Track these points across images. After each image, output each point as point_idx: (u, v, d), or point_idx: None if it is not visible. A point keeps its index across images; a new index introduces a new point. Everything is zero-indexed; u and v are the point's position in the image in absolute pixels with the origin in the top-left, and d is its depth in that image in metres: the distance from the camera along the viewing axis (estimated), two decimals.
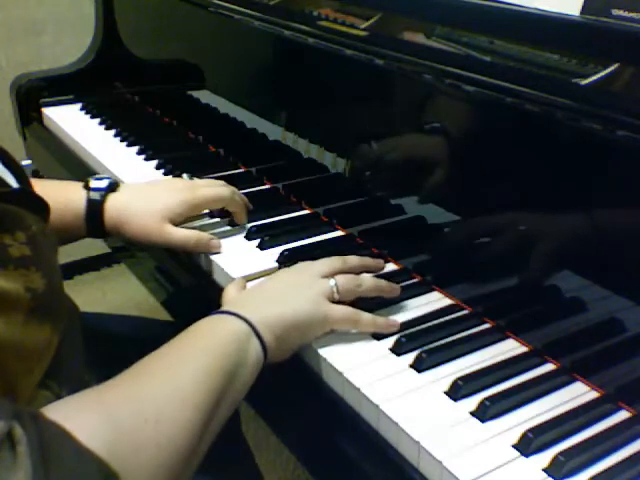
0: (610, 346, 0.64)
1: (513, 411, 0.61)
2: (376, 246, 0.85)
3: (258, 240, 0.86)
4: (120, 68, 1.42)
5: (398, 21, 0.83)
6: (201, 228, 0.87)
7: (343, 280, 0.70)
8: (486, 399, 0.60)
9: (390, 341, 0.69)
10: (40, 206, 0.58)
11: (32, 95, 1.37)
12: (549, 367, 0.67)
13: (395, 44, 0.80)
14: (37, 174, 1.38)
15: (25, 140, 1.40)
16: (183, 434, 0.53)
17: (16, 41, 1.84)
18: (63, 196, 0.82)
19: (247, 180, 1.03)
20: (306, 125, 0.98)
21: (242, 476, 0.86)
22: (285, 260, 0.82)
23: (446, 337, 0.69)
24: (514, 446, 0.57)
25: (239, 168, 1.10)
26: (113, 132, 1.24)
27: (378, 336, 0.70)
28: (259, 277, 0.79)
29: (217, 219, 0.91)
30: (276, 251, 0.84)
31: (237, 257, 0.83)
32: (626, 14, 0.62)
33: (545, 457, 0.56)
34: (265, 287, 0.71)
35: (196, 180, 0.92)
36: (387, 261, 0.82)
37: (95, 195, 0.82)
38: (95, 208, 0.82)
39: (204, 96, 1.21)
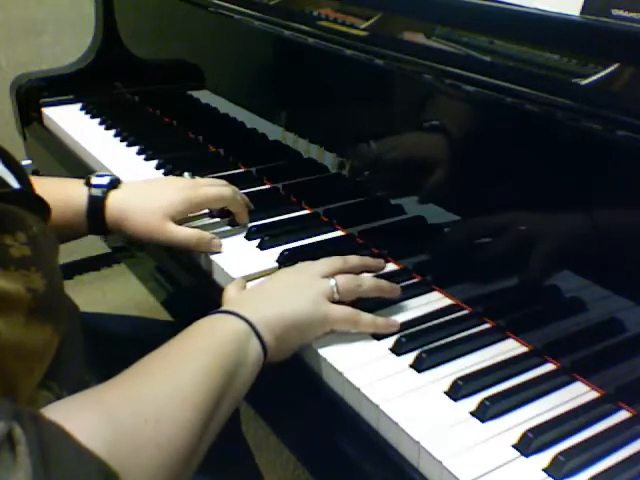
0: (610, 346, 0.64)
1: (513, 411, 0.61)
2: (376, 246, 0.85)
3: (258, 240, 0.86)
4: (120, 68, 1.42)
5: (398, 21, 0.83)
6: (201, 228, 0.87)
7: (343, 280, 0.70)
8: (486, 399, 0.60)
9: (390, 341, 0.69)
10: (40, 206, 0.58)
11: (32, 95, 1.37)
12: (549, 367, 0.67)
13: (395, 44, 0.80)
14: (37, 174, 1.38)
15: (25, 140, 1.40)
16: (183, 434, 0.53)
17: (16, 41, 1.84)
18: (64, 193, 0.82)
19: (247, 180, 1.03)
20: (306, 125, 0.98)
21: (242, 476, 0.86)
22: (285, 260, 0.82)
23: (446, 337, 0.69)
24: (514, 446, 0.57)
25: (239, 168, 1.10)
26: (113, 132, 1.24)
27: (378, 336, 0.70)
28: (259, 277, 0.79)
29: (217, 219, 0.91)
30: (276, 251, 0.84)
31: (237, 257, 0.83)
32: (626, 14, 0.62)
33: (545, 457, 0.56)
34: (265, 287, 0.71)
35: (197, 179, 0.92)
36: (387, 261, 0.82)
37: (97, 192, 0.82)
38: (96, 205, 0.82)
39: (204, 96, 1.21)
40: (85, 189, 0.83)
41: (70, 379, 0.59)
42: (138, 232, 0.82)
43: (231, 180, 0.92)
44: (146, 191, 0.85)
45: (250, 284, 0.76)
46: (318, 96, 0.95)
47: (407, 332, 0.70)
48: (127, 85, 1.45)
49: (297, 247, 0.85)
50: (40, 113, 1.37)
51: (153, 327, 1.00)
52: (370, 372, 0.64)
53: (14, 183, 0.57)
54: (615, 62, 0.60)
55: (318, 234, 0.89)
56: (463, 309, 0.75)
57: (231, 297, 0.71)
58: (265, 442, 1.40)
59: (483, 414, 0.59)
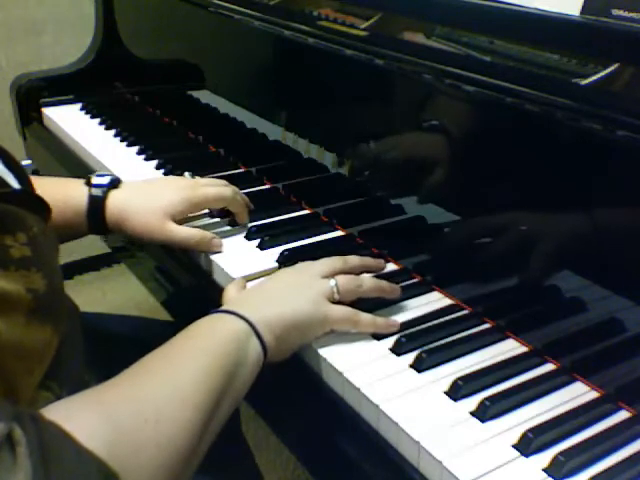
0: (610, 346, 0.64)
1: (513, 411, 0.61)
2: (376, 246, 0.85)
3: (258, 240, 0.86)
4: (120, 68, 1.42)
5: (398, 21, 0.83)
6: (201, 228, 0.87)
7: (343, 280, 0.70)
8: (486, 399, 0.60)
9: (390, 341, 0.69)
10: (41, 206, 0.58)
11: (32, 95, 1.37)
12: (549, 367, 0.67)
13: (395, 44, 0.80)
14: (37, 174, 1.38)
15: (25, 140, 1.40)
16: (183, 434, 0.53)
17: (16, 41, 1.84)
18: (64, 193, 0.82)
19: (247, 180, 1.03)
20: (306, 125, 0.98)
21: (242, 476, 0.86)
22: (285, 260, 0.82)
23: (446, 337, 0.69)
24: (514, 446, 0.57)
25: (239, 168, 1.10)
26: (113, 132, 1.24)
27: (378, 336, 0.70)
28: (259, 277, 0.79)
29: (217, 219, 0.91)
30: (276, 251, 0.84)
31: (237, 257, 0.83)
32: (626, 14, 0.62)
33: (545, 457, 0.56)
34: (265, 287, 0.71)
35: (198, 179, 0.92)
36: (387, 261, 0.82)
37: (97, 191, 0.82)
38: (97, 204, 0.82)
39: (204, 96, 1.21)
40: (85, 189, 0.83)
41: (70, 379, 0.59)
42: (138, 232, 0.82)
43: (231, 180, 0.92)
44: (146, 191, 0.85)
45: (250, 284, 0.76)
46: (318, 96, 0.95)
47: (407, 332, 0.70)
48: (127, 85, 1.45)
49: (297, 247, 0.85)
50: (40, 113, 1.36)
51: (153, 327, 1.00)
52: (370, 372, 0.64)
53: (14, 183, 0.57)
54: (615, 62, 0.60)
55: (318, 234, 0.89)
56: (463, 309, 0.75)
57: (231, 297, 0.71)
58: (265, 442, 1.40)
59: (483, 414, 0.59)
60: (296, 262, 0.76)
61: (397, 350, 0.68)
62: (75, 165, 1.19)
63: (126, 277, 1.82)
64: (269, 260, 0.83)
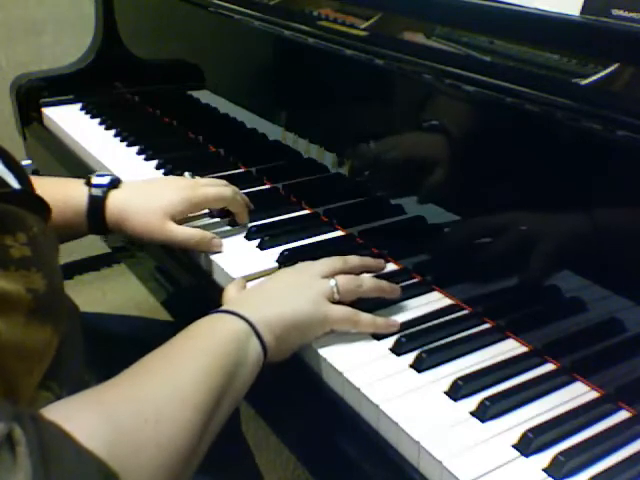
0: (610, 346, 0.64)
1: (513, 411, 0.61)
2: (376, 246, 0.85)
3: (258, 240, 0.86)
4: (120, 68, 1.42)
5: (398, 21, 0.83)
6: (201, 228, 0.87)
7: (343, 280, 0.70)
8: (486, 399, 0.60)
9: (390, 341, 0.69)
10: (41, 206, 0.58)
11: (32, 95, 1.37)
12: (549, 367, 0.67)
13: (395, 44, 0.80)
14: (37, 174, 1.38)
15: (25, 140, 1.40)
16: (183, 434, 0.53)
17: (16, 41, 1.84)
18: (64, 193, 0.82)
19: (247, 180, 1.03)
20: (306, 125, 0.98)
21: (242, 476, 0.86)
22: (285, 260, 0.82)
23: (446, 337, 0.69)
24: (514, 446, 0.57)
25: (239, 168, 1.10)
26: (113, 132, 1.24)
27: (378, 336, 0.70)
28: (259, 277, 0.79)
29: (217, 219, 0.91)
30: (276, 251, 0.84)
31: (237, 257, 0.83)
32: (626, 14, 0.62)
33: (545, 457, 0.56)
34: (265, 287, 0.71)
35: (198, 178, 0.92)
36: (387, 261, 0.82)
37: (97, 191, 0.82)
38: (97, 204, 0.82)
39: (204, 96, 1.21)
40: (85, 189, 0.83)
41: (70, 379, 0.59)
42: (138, 232, 0.82)
43: (231, 180, 0.92)
44: (146, 191, 0.85)
45: (250, 284, 0.76)
46: (318, 96, 0.95)
47: (407, 332, 0.70)
48: (127, 85, 1.45)
49: (297, 247, 0.85)
50: (40, 113, 1.36)
51: (153, 327, 1.00)
52: (370, 372, 0.64)
53: (14, 183, 0.57)
54: (615, 62, 0.60)
55: (318, 234, 0.89)
56: (463, 309, 0.75)
57: (231, 297, 0.71)
58: (265, 442, 1.40)
59: (483, 414, 0.59)
60: (296, 262, 0.76)
61: (397, 350, 0.68)
62: (75, 165, 1.19)
63: (126, 277, 1.82)
64: (269, 260, 0.83)
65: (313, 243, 0.87)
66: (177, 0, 1.19)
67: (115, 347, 0.86)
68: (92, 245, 1.71)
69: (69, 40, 1.84)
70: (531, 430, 0.57)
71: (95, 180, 0.83)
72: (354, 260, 0.75)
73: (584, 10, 0.65)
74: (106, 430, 0.48)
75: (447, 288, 0.77)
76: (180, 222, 0.84)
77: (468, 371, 0.65)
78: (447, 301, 0.76)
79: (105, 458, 0.45)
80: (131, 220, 0.82)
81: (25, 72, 1.41)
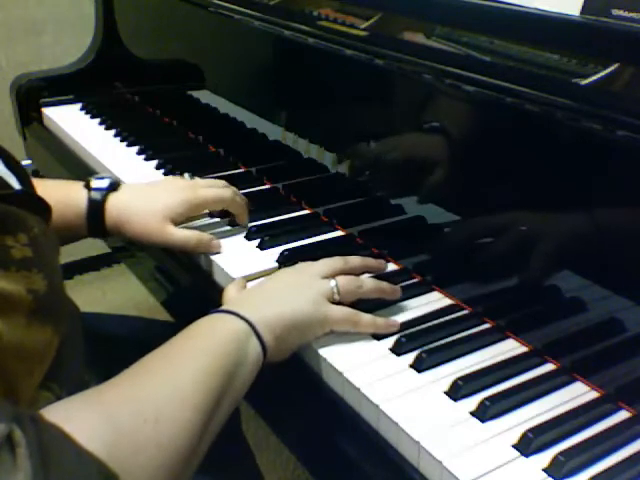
0: (610, 346, 0.64)
1: (513, 411, 0.61)
2: (376, 246, 0.85)
3: (258, 240, 0.86)
4: (120, 68, 1.42)
5: (398, 21, 0.83)
6: (201, 228, 0.87)
7: (344, 281, 0.70)
8: (486, 399, 0.60)
9: (390, 341, 0.69)
10: (42, 207, 0.58)
11: (32, 95, 1.37)
12: (549, 367, 0.67)
13: (395, 44, 0.80)
14: (37, 174, 1.38)
15: (25, 140, 1.40)
16: (183, 434, 0.53)
17: (16, 41, 1.84)
18: (64, 196, 0.82)
19: (247, 180, 1.03)
20: (306, 125, 0.98)
21: (242, 476, 0.86)
22: (285, 260, 0.82)
23: (446, 337, 0.69)
24: (514, 446, 0.57)
25: (239, 168, 1.10)
26: (113, 132, 1.24)
27: (378, 336, 0.70)
28: (259, 277, 0.79)
29: (217, 219, 0.91)
30: (276, 251, 0.84)
31: (237, 257, 0.83)
32: (626, 14, 0.62)
33: (545, 457, 0.56)
34: (265, 287, 0.71)
35: (197, 180, 0.92)
36: (387, 261, 0.82)
37: (96, 195, 0.82)
38: (96, 208, 0.82)
39: (204, 96, 1.21)
40: (85, 192, 0.83)
41: (70, 380, 0.59)
42: (137, 234, 0.82)
43: (231, 180, 0.92)
44: (146, 194, 0.85)
45: (250, 284, 0.76)
46: (318, 96, 0.95)
47: (407, 332, 0.70)
48: (127, 85, 1.45)
49: (297, 247, 0.85)
50: (40, 113, 1.37)
51: (153, 328, 1.00)
52: (370, 372, 0.64)
53: (15, 184, 0.57)
54: (615, 62, 0.60)
55: (318, 234, 0.89)
56: (463, 309, 0.75)
57: (231, 297, 0.71)
58: (265, 442, 1.40)
59: (483, 414, 0.59)
60: (296, 262, 0.76)
61: (397, 350, 0.68)
62: (75, 165, 1.19)
63: (126, 277, 1.82)
64: (269, 260, 0.83)
65: (313, 243, 0.87)
66: (177, 0, 1.19)
67: (115, 348, 0.86)
68: (92, 245, 1.70)
69: (69, 40, 1.84)
70: (531, 430, 0.57)
71: (94, 183, 0.83)
72: (355, 260, 0.75)
73: (584, 10, 0.65)
74: (106, 431, 0.48)
75: (447, 288, 0.77)
76: (180, 222, 0.84)
77: (468, 371, 0.65)
78: (447, 301, 0.76)
79: (105, 459, 0.45)
80: (130, 223, 0.82)
81: (25, 72, 1.41)
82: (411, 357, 0.67)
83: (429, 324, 0.72)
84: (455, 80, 0.72)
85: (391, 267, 0.82)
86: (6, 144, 0.60)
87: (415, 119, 0.81)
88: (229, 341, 0.61)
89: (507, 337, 0.70)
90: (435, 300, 0.76)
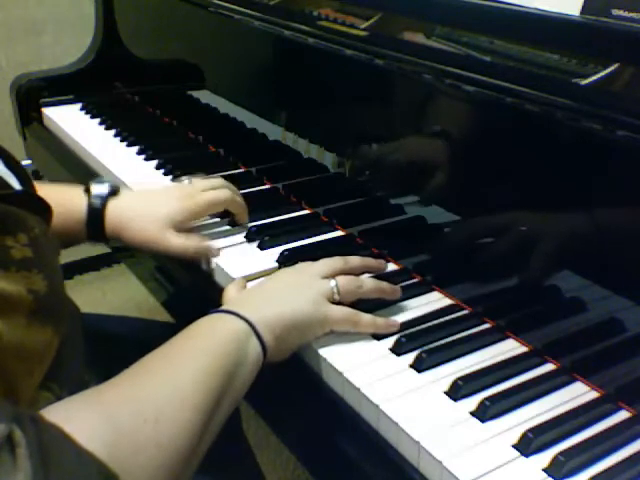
0: (610, 346, 0.64)
1: (513, 411, 0.61)
2: (376, 246, 0.85)
3: (258, 240, 0.86)
4: (120, 68, 1.42)
5: (398, 21, 0.83)
6: (201, 228, 0.87)
7: (344, 281, 0.70)
8: (486, 399, 0.60)
9: (390, 341, 0.69)
10: (42, 207, 0.58)
11: (32, 95, 1.37)
12: (549, 367, 0.67)
13: (395, 44, 0.80)
14: (37, 174, 1.38)
15: (25, 140, 1.40)
16: (183, 434, 0.53)
17: (16, 41, 1.84)
18: (65, 200, 0.82)
19: (247, 180, 1.03)
20: (306, 125, 0.98)
21: (243, 476, 0.86)
22: (285, 260, 0.82)
23: (446, 337, 0.69)
24: (514, 446, 0.57)
25: (239, 168, 1.10)
26: (113, 132, 1.24)
27: (378, 336, 0.70)
28: (259, 277, 0.79)
29: (217, 219, 0.91)
30: (276, 251, 0.84)
31: (237, 257, 0.83)
32: (626, 14, 0.62)
33: (545, 457, 0.56)
34: (265, 287, 0.71)
35: (195, 182, 0.90)
36: (387, 261, 0.82)
37: (96, 201, 0.82)
38: (96, 214, 0.82)
39: (204, 96, 1.21)
40: (84, 198, 0.83)
41: (70, 380, 0.59)
42: (137, 241, 0.82)
43: (231, 180, 0.92)
44: (145, 201, 0.85)
45: (250, 284, 0.76)
46: (318, 96, 0.95)
47: (407, 332, 0.70)
48: (127, 85, 1.45)
49: (297, 247, 0.85)
50: (40, 113, 1.37)
51: (153, 328, 1.00)
52: (370, 372, 0.64)
53: (16, 184, 0.57)
54: (615, 62, 0.60)
55: (318, 234, 0.89)
56: (463, 309, 0.75)
57: (231, 297, 0.71)
58: (265, 442, 1.40)
59: (483, 414, 0.59)
60: (296, 262, 0.76)
61: (397, 350, 0.68)
62: (75, 165, 1.19)
63: (126, 277, 1.82)
64: (269, 260, 0.83)
65: (313, 243, 0.87)
66: (177, 0, 1.19)
67: (115, 348, 0.86)
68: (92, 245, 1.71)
69: (69, 40, 1.84)
70: (531, 430, 0.57)
71: (94, 189, 0.83)
72: (355, 260, 0.75)
73: (584, 10, 0.65)
74: (106, 431, 0.48)
75: (447, 288, 0.77)
76: (182, 229, 0.84)
77: (468, 371, 0.65)
78: (447, 301, 0.76)
79: (105, 459, 0.45)
80: (129, 230, 0.82)
81: (25, 72, 1.41)
82: (411, 357, 0.67)
83: (429, 324, 0.72)
84: (455, 80, 0.72)
85: (391, 267, 0.82)
86: (6, 144, 0.60)
87: (415, 119, 0.81)
88: (229, 341, 0.61)
89: (507, 337, 0.70)
90: (435, 300, 0.76)
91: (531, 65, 0.66)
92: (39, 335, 0.51)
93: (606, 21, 0.63)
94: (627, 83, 0.60)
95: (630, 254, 0.61)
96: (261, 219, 0.91)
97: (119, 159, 1.13)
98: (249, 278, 0.78)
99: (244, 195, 0.92)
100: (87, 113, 1.34)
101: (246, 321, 0.63)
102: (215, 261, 0.82)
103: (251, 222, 0.90)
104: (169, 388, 0.55)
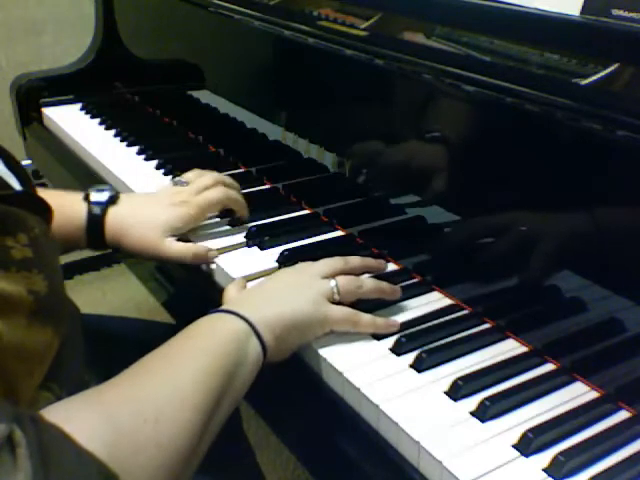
0: (610, 346, 0.64)
1: (513, 411, 0.61)
2: (376, 246, 0.85)
3: (258, 240, 0.86)
4: (120, 68, 1.42)
5: (398, 21, 0.83)
6: (201, 228, 0.87)
7: (344, 281, 0.70)
8: (486, 399, 0.60)
9: (390, 341, 0.69)
10: (42, 208, 0.58)
11: (32, 95, 1.37)
12: (549, 367, 0.67)
13: (395, 44, 0.80)
14: (37, 174, 1.38)
15: (25, 140, 1.40)
16: (183, 434, 0.53)
17: (16, 41, 1.84)
18: (64, 207, 0.81)
19: (247, 180, 1.03)
20: (306, 125, 0.98)
21: (243, 476, 0.86)
22: (285, 260, 0.82)
23: (446, 337, 0.69)
24: (514, 446, 0.57)
25: (239, 168, 1.10)
26: (113, 132, 1.24)
27: (378, 336, 0.70)
28: (259, 277, 0.79)
29: (217, 219, 0.91)
30: (276, 251, 0.84)
31: (237, 257, 0.83)
32: (626, 14, 0.62)
33: (545, 457, 0.56)
34: (265, 287, 0.71)
35: (191, 184, 0.88)
36: (387, 261, 0.82)
37: (96, 209, 0.82)
38: (96, 222, 0.82)
39: (204, 96, 1.21)
40: (84, 205, 0.83)
41: (70, 380, 0.59)
42: (137, 249, 0.82)
43: None
44: (144, 208, 0.85)
45: (250, 284, 0.76)
46: (318, 96, 0.95)
47: (407, 332, 0.70)
48: (127, 85, 1.45)
49: (297, 247, 0.85)
50: (40, 113, 1.37)
51: (153, 329, 1.00)
52: (370, 372, 0.64)
53: (16, 185, 0.57)
54: (615, 62, 0.60)
55: (318, 234, 0.89)
56: (463, 309, 0.75)
57: (231, 297, 0.71)
58: (265, 442, 1.40)
59: (483, 414, 0.59)
60: (296, 262, 0.76)
61: (397, 350, 0.68)
62: (75, 165, 1.19)
63: (126, 277, 1.82)
64: (269, 260, 0.83)
65: (313, 243, 0.87)
66: (177, 0, 1.19)
67: (115, 348, 0.86)
68: None
69: (69, 40, 1.84)
70: (531, 430, 0.57)
71: (93, 197, 0.83)
72: (355, 260, 0.75)
73: (584, 10, 0.65)
74: (106, 431, 0.48)
75: (447, 288, 0.77)
76: (182, 235, 0.84)
77: (468, 371, 0.65)
78: (447, 301, 0.76)
79: (105, 459, 0.45)
80: (129, 237, 0.82)
81: (25, 72, 1.41)
82: (411, 357, 0.67)
83: (429, 324, 0.72)
84: (455, 80, 0.72)
85: (391, 267, 0.82)
86: (6, 144, 0.60)
87: (415, 119, 0.81)
88: (229, 341, 0.61)
89: (507, 337, 0.70)
90: (435, 300, 0.76)
91: (531, 65, 0.66)
92: (39, 335, 0.51)
93: (606, 21, 0.63)
94: (627, 83, 0.60)
95: (630, 254, 0.61)
96: (261, 219, 0.91)
97: (119, 159, 1.13)
98: (249, 278, 0.78)
99: (244, 195, 0.92)
100: (87, 113, 1.34)
101: (246, 321, 0.63)
102: (215, 261, 0.82)
103: (251, 222, 0.90)
104: (169, 388, 0.55)
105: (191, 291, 0.89)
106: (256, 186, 1.03)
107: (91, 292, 2.00)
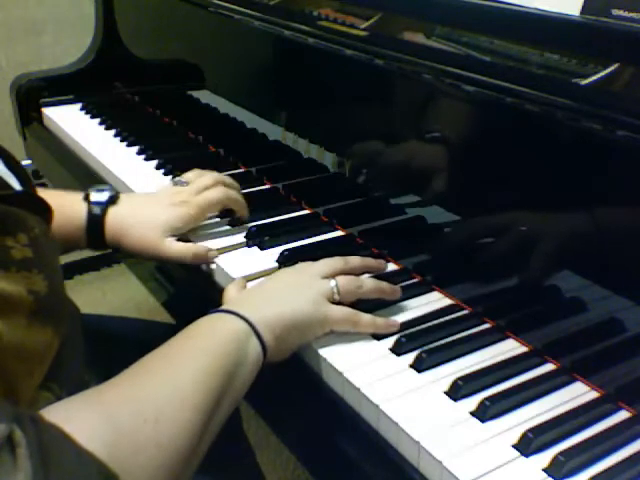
0: (610, 346, 0.64)
1: (513, 411, 0.61)
2: (376, 246, 0.85)
3: (258, 240, 0.86)
4: (120, 68, 1.42)
5: (398, 21, 0.83)
6: (201, 228, 0.87)
7: (344, 281, 0.70)
8: (486, 399, 0.60)
9: (390, 341, 0.69)
10: (42, 207, 0.58)
11: (32, 95, 1.37)
12: (549, 367, 0.67)
13: (395, 44, 0.80)
14: (37, 174, 1.38)
15: (25, 140, 1.40)
16: (183, 434, 0.53)
17: (16, 41, 1.84)
18: (64, 207, 0.82)
19: (247, 180, 1.03)
20: (306, 125, 0.98)
21: (243, 476, 0.86)
22: (285, 260, 0.82)
23: (446, 337, 0.69)
24: (514, 446, 0.57)
25: (239, 168, 1.10)
26: (113, 132, 1.24)
27: (378, 336, 0.70)
28: (259, 277, 0.79)
29: (217, 219, 0.91)
30: (276, 251, 0.84)
31: (237, 257, 0.83)
32: (626, 14, 0.62)
33: (545, 457, 0.56)
34: (265, 287, 0.71)
35: (191, 184, 0.89)
36: (387, 261, 0.82)
37: (96, 209, 0.82)
38: (96, 222, 0.82)
39: (204, 96, 1.21)
40: (84, 205, 0.83)
41: (70, 380, 0.59)
42: (137, 249, 0.82)
43: None
44: (143, 208, 0.85)
45: (250, 284, 0.76)
46: (318, 96, 0.95)
47: (407, 332, 0.70)
48: (127, 85, 1.45)
49: (297, 247, 0.85)
50: (40, 113, 1.37)
51: (153, 329, 1.00)
52: (370, 372, 0.64)
53: (16, 185, 0.57)
54: (615, 62, 0.60)
55: (318, 234, 0.89)
56: (463, 309, 0.75)
57: (231, 297, 0.71)
58: (265, 442, 1.40)
59: (483, 414, 0.59)
60: (296, 262, 0.76)
61: (397, 350, 0.68)
62: (75, 165, 1.19)
63: (126, 277, 1.82)
64: (269, 260, 0.83)
65: (313, 243, 0.87)
66: (177, 0, 1.19)
67: (115, 348, 0.86)
68: None
69: (69, 40, 1.84)
70: (531, 430, 0.57)
71: (93, 197, 0.83)
72: (355, 261, 0.75)
73: (584, 10, 0.65)
74: (106, 431, 0.48)
75: (447, 288, 0.77)
76: (182, 235, 0.84)
77: (468, 371, 0.65)
78: (447, 301, 0.76)
79: (105, 459, 0.45)
80: (130, 237, 0.82)
81: (25, 72, 1.41)
82: (411, 357, 0.67)
83: (429, 324, 0.72)
84: (455, 80, 0.72)
85: (391, 267, 0.82)
86: (6, 144, 0.60)
87: (415, 119, 0.81)
88: (229, 341, 0.61)
89: (507, 337, 0.70)
90: (435, 300, 0.76)
91: (531, 65, 0.66)
92: (39, 335, 0.51)
93: (606, 21, 0.63)
94: (627, 83, 0.60)
95: (630, 254, 0.61)
96: (261, 219, 0.91)
97: (119, 159, 1.13)
98: (249, 278, 0.78)
99: (244, 195, 0.92)
100: (87, 113, 1.34)
101: (246, 321, 0.63)
102: (215, 261, 0.82)
103: (251, 222, 0.90)
104: (169, 388, 0.55)
105: (191, 291, 0.89)
106: (256, 186, 1.03)
107: (91, 292, 2.00)
